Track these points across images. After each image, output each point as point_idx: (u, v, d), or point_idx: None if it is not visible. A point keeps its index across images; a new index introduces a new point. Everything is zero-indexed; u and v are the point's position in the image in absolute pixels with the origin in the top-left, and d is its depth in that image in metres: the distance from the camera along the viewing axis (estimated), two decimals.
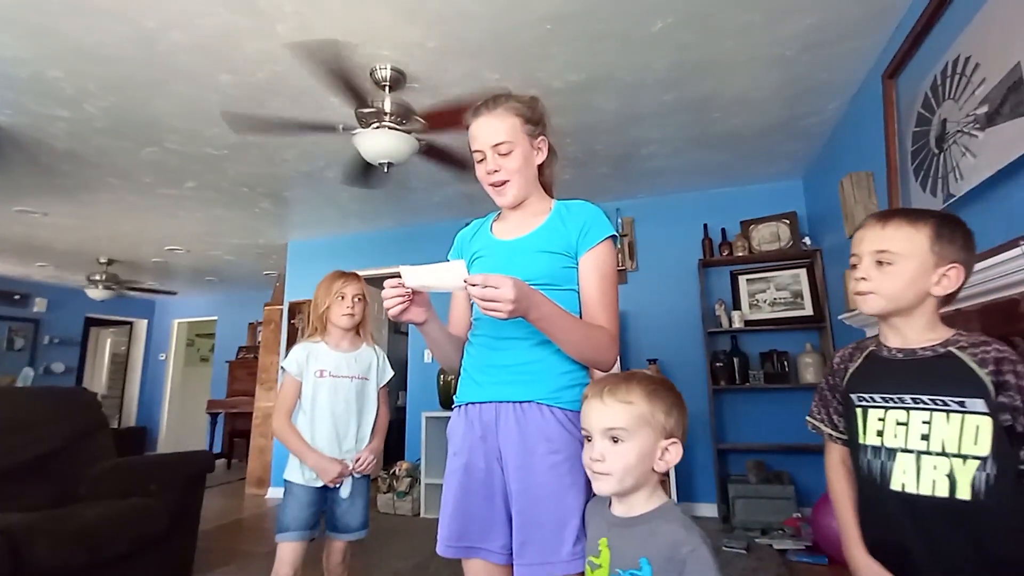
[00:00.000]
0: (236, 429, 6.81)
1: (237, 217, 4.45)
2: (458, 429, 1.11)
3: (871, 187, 2.56)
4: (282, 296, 5.41)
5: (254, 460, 5.14)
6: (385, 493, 4.07)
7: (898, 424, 0.92)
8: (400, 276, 0.98)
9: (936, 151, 1.86)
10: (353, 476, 1.74)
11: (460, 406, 1.14)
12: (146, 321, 8.24)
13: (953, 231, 0.93)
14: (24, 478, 2.44)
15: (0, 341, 6.54)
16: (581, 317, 1.12)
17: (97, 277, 5.85)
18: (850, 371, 1.02)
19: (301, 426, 1.75)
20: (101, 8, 2.00)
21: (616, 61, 2.43)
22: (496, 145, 1.11)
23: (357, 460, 1.73)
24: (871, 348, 1.02)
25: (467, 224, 1.32)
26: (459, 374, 1.18)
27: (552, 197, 1.24)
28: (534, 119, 1.15)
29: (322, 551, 1.77)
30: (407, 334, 4.99)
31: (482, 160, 1.14)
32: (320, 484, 1.70)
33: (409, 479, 4.08)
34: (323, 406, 1.75)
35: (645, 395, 0.88)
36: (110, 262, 5.80)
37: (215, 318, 7.96)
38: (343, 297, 1.81)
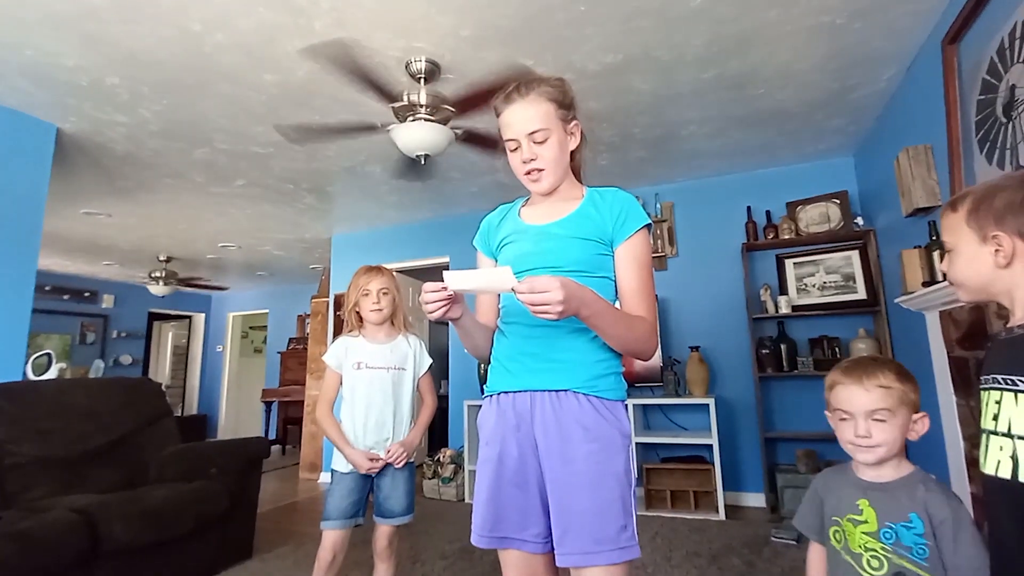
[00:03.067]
0: (289, 416, 7.12)
1: (283, 213, 4.61)
2: (489, 419, 1.12)
3: (930, 161, 2.41)
4: (328, 288, 5.59)
5: (306, 446, 5.36)
6: (430, 479, 4.17)
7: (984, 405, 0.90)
8: (443, 279, 0.97)
9: (1004, 120, 1.73)
10: (392, 466, 1.79)
11: (492, 396, 1.14)
12: (203, 315, 8.68)
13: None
14: (97, 462, 2.63)
15: (74, 335, 7.03)
16: (616, 304, 1.11)
17: (158, 274, 6.19)
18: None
19: (344, 415, 1.81)
20: (149, 13, 2.10)
21: (652, 39, 2.37)
22: (532, 133, 1.09)
23: (388, 452, 1.77)
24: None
25: (492, 210, 1.30)
26: (489, 362, 1.19)
27: (581, 182, 1.22)
28: (566, 103, 1.13)
29: (372, 534, 1.84)
30: (447, 324, 5.05)
31: (516, 149, 1.12)
32: (362, 472, 1.76)
33: (453, 466, 4.16)
34: (361, 397, 1.80)
35: (898, 378, 1.00)
36: (169, 259, 6.13)
37: (266, 311, 8.31)
38: (368, 293, 1.85)
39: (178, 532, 2.41)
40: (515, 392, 1.09)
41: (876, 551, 0.94)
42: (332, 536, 1.71)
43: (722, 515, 3.25)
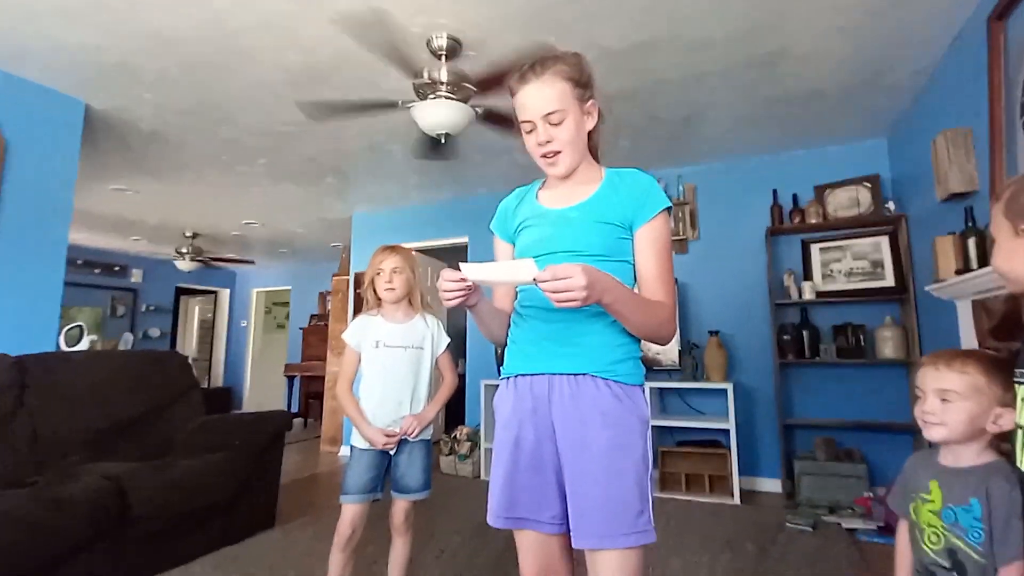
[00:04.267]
0: (311, 391, 7.28)
1: (305, 192, 4.65)
2: (507, 401, 1.12)
3: (969, 146, 2.31)
4: (348, 267, 5.64)
5: (327, 420, 5.48)
6: (447, 456, 4.25)
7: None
8: (460, 270, 0.97)
9: None
10: (408, 440, 1.81)
11: (509, 378, 1.14)
12: (228, 291, 8.87)
13: None
14: (126, 432, 2.73)
15: (105, 308, 7.26)
16: (635, 288, 1.10)
17: (184, 250, 6.33)
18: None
19: (362, 393, 1.84)
20: None
21: (681, 17, 2.29)
22: (548, 115, 1.06)
23: (403, 425, 1.79)
24: None
25: (510, 193, 1.29)
26: (506, 345, 1.19)
27: (599, 162, 1.20)
28: (583, 81, 1.09)
29: (390, 509, 1.88)
30: None
31: (532, 131, 1.09)
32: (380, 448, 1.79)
33: (469, 443, 4.22)
34: (379, 375, 1.82)
35: (979, 367, 1.02)
36: (195, 235, 6.25)
37: (289, 288, 8.45)
38: (381, 272, 1.86)
39: (203, 502, 2.51)
40: (533, 375, 1.09)
41: (936, 528, 1.02)
42: (351, 510, 1.76)
43: (737, 500, 3.24)
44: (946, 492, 1.03)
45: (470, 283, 0.98)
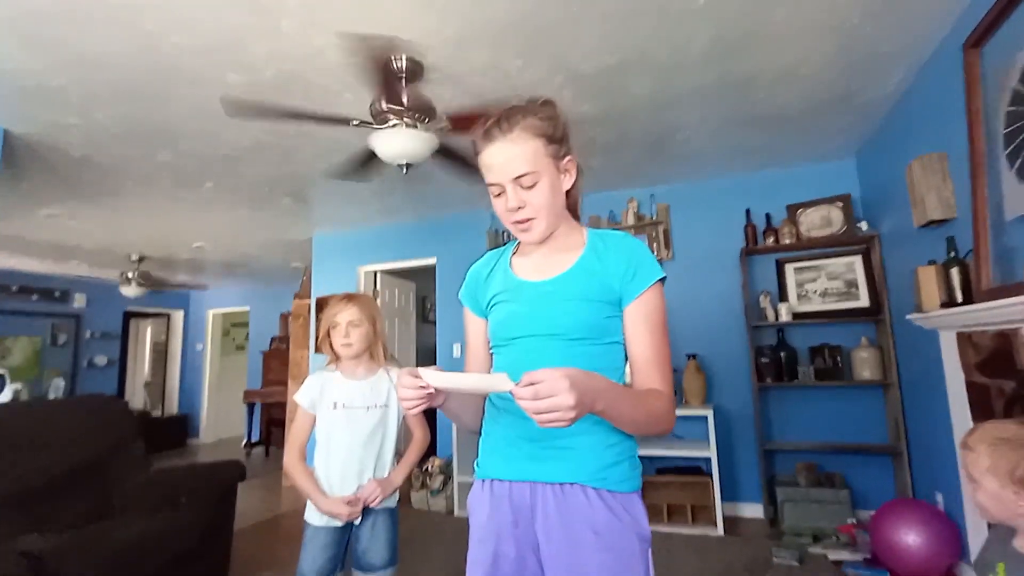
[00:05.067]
0: (273, 418, 6.92)
1: (260, 215, 4.38)
2: (482, 509, 0.96)
3: (945, 171, 2.28)
4: (310, 290, 5.37)
5: None
6: (418, 491, 4.03)
7: None
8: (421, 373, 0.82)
9: None
10: (371, 509, 1.63)
11: (484, 480, 0.98)
12: (182, 312, 8.40)
13: None
14: (57, 495, 2.43)
15: (45, 337, 6.74)
16: (626, 365, 0.96)
17: (130, 275, 5.92)
18: None
19: (318, 462, 1.64)
20: (98, 15, 1.88)
21: (652, 39, 2.19)
22: (518, 177, 0.92)
23: (364, 491, 1.60)
24: None
25: (480, 259, 1.13)
26: (480, 436, 1.03)
27: (578, 220, 1.05)
28: (557, 136, 0.95)
29: None
30: (435, 323, 4.89)
31: (500, 194, 0.95)
32: (339, 523, 1.60)
33: (442, 476, 4.02)
34: (339, 441, 1.63)
35: (988, 448, 1.02)
36: (142, 259, 5.86)
37: (247, 308, 8.06)
38: (336, 326, 1.67)
39: (146, 573, 2.25)
40: (512, 481, 0.93)
41: None
42: None
43: (720, 530, 3.15)
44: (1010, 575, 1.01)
45: (431, 390, 0.82)
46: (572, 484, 0.89)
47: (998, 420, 1.35)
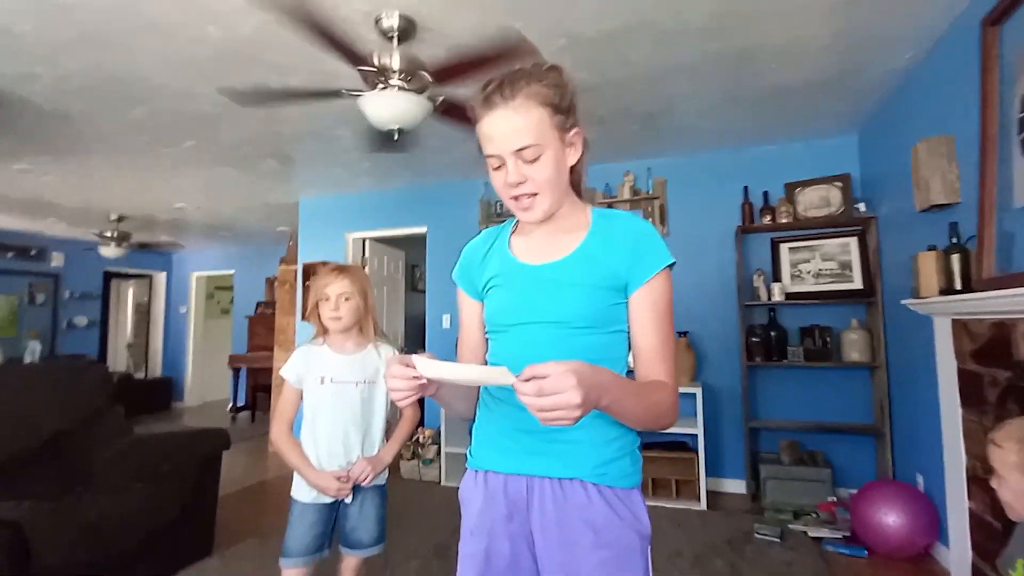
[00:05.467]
0: (259, 383, 6.87)
1: (243, 176, 4.22)
2: (474, 501, 0.92)
3: (952, 154, 2.22)
4: (296, 255, 5.25)
5: None
6: (409, 460, 4.04)
7: None
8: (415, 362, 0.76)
9: None
10: (361, 487, 1.59)
11: (478, 472, 0.94)
12: (165, 274, 8.23)
13: None
14: (32, 464, 2.38)
15: (22, 296, 6.57)
16: (630, 354, 0.91)
17: (109, 234, 5.73)
18: None
19: (303, 438, 1.60)
20: None
21: (655, 4, 2.07)
22: (520, 150, 0.83)
23: (352, 470, 1.56)
24: None
25: (477, 235, 1.05)
26: (473, 425, 0.98)
27: (581, 197, 0.98)
28: (564, 106, 0.86)
29: (337, 565, 1.66)
30: (425, 292, 4.82)
31: (500, 167, 0.86)
32: (328, 500, 1.57)
33: (436, 446, 4.02)
34: (325, 416, 1.58)
35: (1017, 445, 1.02)
36: (120, 218, 5.67)
37: (232, 272, 7.90)
38: (327, 299, 1.60)
39: (126, 543, 2.22)
40: (507, 474, 0.88)
41: None
42: (292, 575, 1.53)
43: (703, 505, 3.20)
44: None
45: (424, 380, 0.76)
46: (571, 480, 0.85)
47: None
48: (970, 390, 1.98)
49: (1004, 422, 1.12)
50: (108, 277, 7.69)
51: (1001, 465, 1.03)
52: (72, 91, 2.69)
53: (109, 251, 5.78)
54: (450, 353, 1.06)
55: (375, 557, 1.66)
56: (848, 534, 2.70)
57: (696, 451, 3.28)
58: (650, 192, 3.75)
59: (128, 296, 8.72)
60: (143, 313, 8.48)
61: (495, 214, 4.10)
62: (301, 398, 1.64)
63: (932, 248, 2.21)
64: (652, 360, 0.87)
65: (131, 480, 2.41)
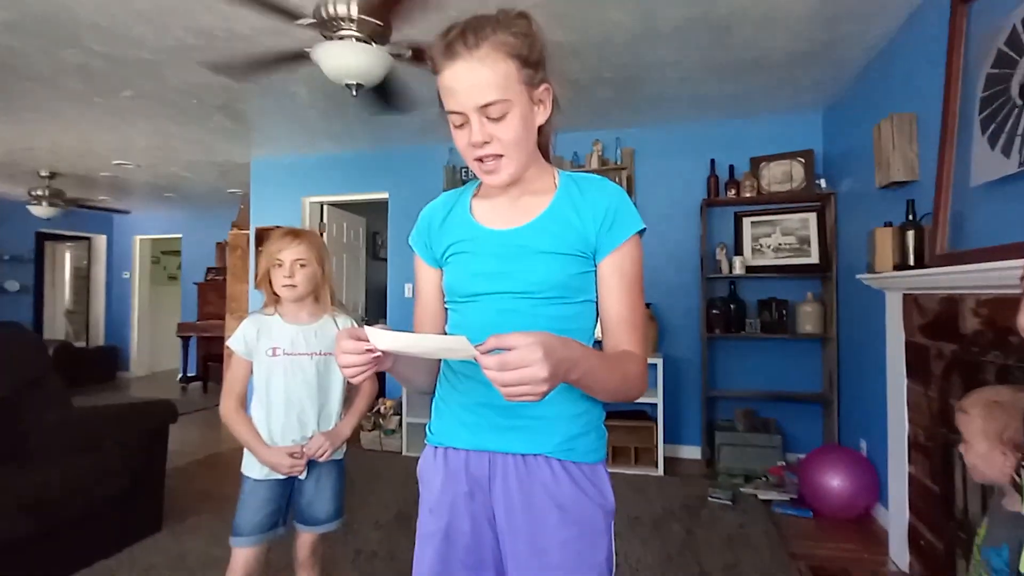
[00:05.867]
0: (210, 353, 6.61)
1: (189, 132, 3.94)
2: (434, 478, 0.87)
3: (913, 132, 2.26)
4: (247, 220, 5.00)
5: None
6: (371, 431, 3.98)
7: None
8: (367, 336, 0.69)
9: (1020, 102, 1.55)
10: (317, 462, 1.53)
11: (437, 448, 0.89)
12: (105, 237, 7.72)
13: None
14: None
15: None
16: (597, 327, 0.87)
17: (39, 192, 5.30)
18: None
19: (255, 413, 1.51)
20: None
21: None
22: (485, 106, 0.76)
23: (308, 445, 1.50)
24: None
25: (435, 200, 0.97)
26: (433, 398, 0.93)
27: (549, 161, 0.92)
28: (533, 58, 0.78)
29: (293, 542, 1.61)
30: (386, 260, 4.69)
31: (463, 124, 0.78)
32: (281, 476, 1.50)
33: (397, 417, 3.98)
34: (278, 389, 1.50)
35: (981, 411, 1.06)
36: (52, 175, 5.23)
37: (179, 236, 7.49)
38: (280, 264, 1.50)
39: (65, 519, 2.10)
40: (469, 451, 0.84)
41: (977, 563, 1.07)
42: (244, 555, 1.46)
43: (661, 471, 3.29)
44: (988, 531, 1.06)
45: (378, 353, 0.70)
46: (536, 456, 0.81)
47: (993, 385, 1.42)
48: (917, 362, 2.06)
49: (972, 391, 1.16)
50: (42, 239, 7.16)
51: (967, 430, 1.07)
52: None
53: (40, 211, 5.35)
54: (410, 325, 1.00)
55: (333, 532, 1.61)
56: (795, 496, 2.83)
57: (655, 420, 3.36)
58: (618, 162, 3.72)
59: (65, 260, 8.17)
60: (82, 278, 7.97)
61: (460, 180, 3.98)
62: (251, 371, 1.55)
63: (888, 224, 2.27)
64: (621, 330, 0.83)
65: (71, 453, 2.27)
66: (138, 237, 7.64)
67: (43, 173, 5.16)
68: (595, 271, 0.85)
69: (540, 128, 0.85)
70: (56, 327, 7.86)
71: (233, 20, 2.32)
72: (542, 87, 0.81)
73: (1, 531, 1.87)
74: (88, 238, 7.70)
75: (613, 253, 0.83)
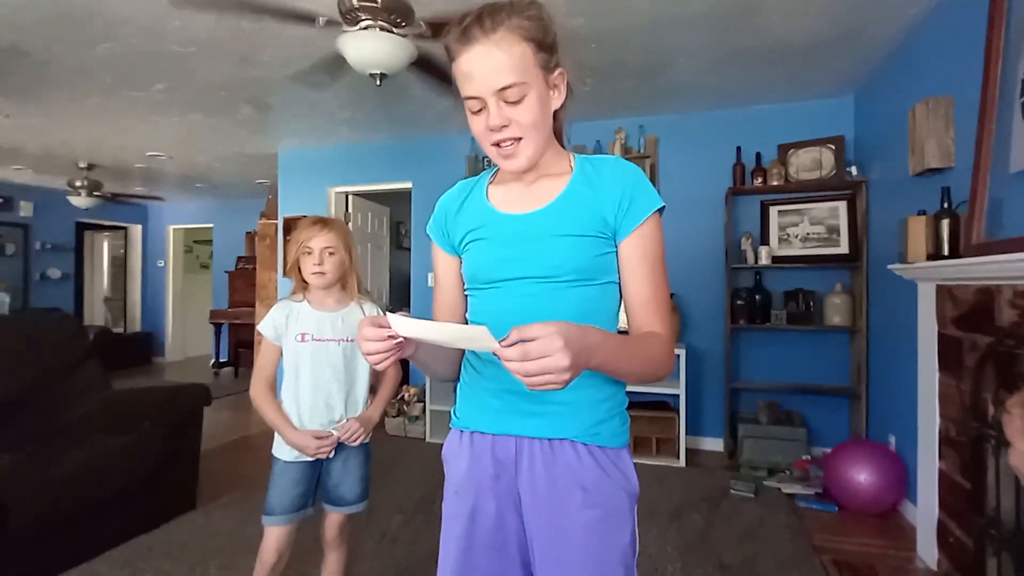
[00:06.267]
0: (241, 339, 6.80)
1: (218, 124, 4.03)
2: (460, 461, 0.89)
3: (950, 117, 2.18)
4: (275, 209, 5.10)
5: None
6: (395, 417, 4.06)
7: None
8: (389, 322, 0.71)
9: None
10: (345, 445, 1.58)
11: (463, 432, 0.91)
12: (140, 227, 7.98)
13: None
14: (5, 415, 2.33)
15: None
16: (622, 308, 0.88)
17: (79, 183, 5.49)
18: None
19: (285, 397, 1.56)
20: None
21: None
22: (503, 89, 0.77)
23: (342, 428, 1.55)
24: None
25: (452, 188, 0.98)
26: (457, 384, 0.95)
27: (564, 147, 0.92)
28: (548, 42, 0.80)
29: (321, 522, 1.66)
30: (410, 250, 4.74)
31: (481, 110, 0.80)
32: (309, 458, 1.55)
33: (421, 404, 4.04)
34: (306, 374, 1.55)
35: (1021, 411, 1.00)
36: (91, 167, 5.42)
37: (211, 225, 7.70)
38: (310, 251, 1.54)
39: (104, 493, 2.21)
40: (495, 435, 0.86)
41: None
42: (276, 533, 1.52)
43: (682, 462, 3.28)
44: None
45: (400, 339, 0.72)
46: (561, 440, 0.83)
47: None
48: (949, 355, 2.01)
49: (1018, 391, 1.11)
50: (81, 228, 7.44)
51: (1009, 430, 1.02)
52: (30, 23, 2.50)
53: (80, 201, 5.55)
54: (432, 313, 1.02)
55: (359, 513, 1.66)
56: (820, 491, 2.79)
57: (677, 410, 3.34)
58: (642, 151, 3.67)
59: (103, 248, 8.48)
60: (119, 266, 8.26)
61: (483, 169, 3.98)
62: (281, 355, 1.60)
63: (922, 213, 2.20)
64: (645, 310, 0.84)
65: (109, 434, 2.38)
66: (171, 227, 7.87)
67: (81, 164, 5.35)
68: (616, 252, 0.85)
69: (555, 114, 0.86)
70: (95, 313, 8.19)
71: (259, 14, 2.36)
72: (557, 71, 0.83)
73: (41, 508, 1.97)
74: (125, 228, 7.96)
75: (633, 234, 0.83)
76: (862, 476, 2.54)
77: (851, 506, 2.60)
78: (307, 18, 2.06)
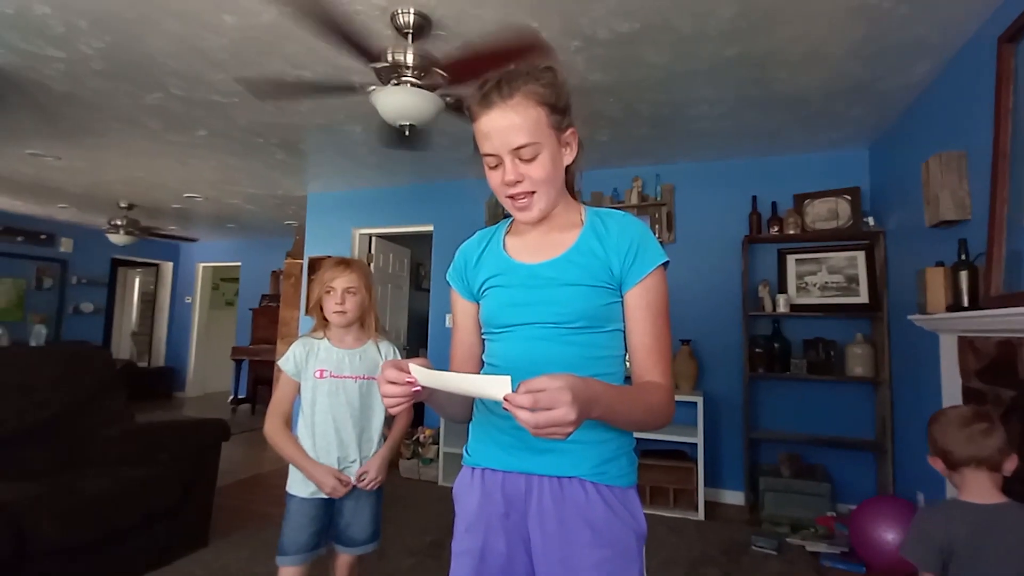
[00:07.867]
0: (260, 376, 6.89)
1: (252, 167, 4.24)
2: (471, 498, 0.91)
3: (963, 171, 2.20)
4: (302, 250, 5.27)
5: None
6: (409, 459, 4.03)
7: None
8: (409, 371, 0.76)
9: None
10: (357, 488, 1.59)
11: (474, 468, 0.93)
12: (171, 264, 8.27)
13: None
14: (31, 443, 2.39)
15: (29, 281, 6.61)
16: (627, 355, 0.91)
17: (118, 222, 5.77)
18: None
19: (300, 432, 1.59)
20: None
21: (674, 7, 2.07)
22: (518, 149, 0.84)
23: (360, 475, 1.57)
24: None
25: (470, 238, 1.05)
26: (470, 422, 0.98)
27: (575, 199, 0.99)
28: (561, 106, 0.87)
29: (331, 563, 1.65)
30: (429, 291, 4.82)
31: (497, 166, 0.87)
32: (324, 496, 1.56)
33: (436, 446, 4.01)
34: (323, 410, 1.58)
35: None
36: (130, 206, 5.70)
37: (238, 264, 7.94)
38: (331, 291, 1.60)
39: (120, 527, 2.22)
40: (506, 472, 0.88)
41: None
42: (290, 574, 1.52)
43: (701, 515, 3.18)
44: None
45: (418, 387, 0.76)
46: (570, 478, 0.84)
47: None
48: None
49: None
50: (116, 264, 7.74)
51: None
52: (87, 75, 2.71)
53: (118, 238, 5.81)
54: (449, 352, 1.06)
55: (369, 554, 1.65)
56: (846, 550, 2.67)
57: (695, 460, 3.26)
58: (658, 198, 3.75)
59: (135, 284, 8.77)
60: (148, 302, 8.52)
61: (501, 215, 4.10)
62: (298, 392, 1.64)
63: (940, 264, 2.19)
64: (646, 360, 0.87)
65: (129, 464, 2.42)
66: (201, 264, 8.14)
67: (122, 204, 5.63)
68: (622, 302, 0.89)
69: (567, 168, 0.93)
70: (122, 347, 8.39)
71: (301, 67, 2.54)
72: (568, 131, 0.90)
73: (60, 534, 2.00)
74: (156, 264, 8.26)
75: (637, 285, 0.88)
76: (890, 535, 2.43)
77: (879, 567, 2.48)
78: (350, 87, 2.25)
